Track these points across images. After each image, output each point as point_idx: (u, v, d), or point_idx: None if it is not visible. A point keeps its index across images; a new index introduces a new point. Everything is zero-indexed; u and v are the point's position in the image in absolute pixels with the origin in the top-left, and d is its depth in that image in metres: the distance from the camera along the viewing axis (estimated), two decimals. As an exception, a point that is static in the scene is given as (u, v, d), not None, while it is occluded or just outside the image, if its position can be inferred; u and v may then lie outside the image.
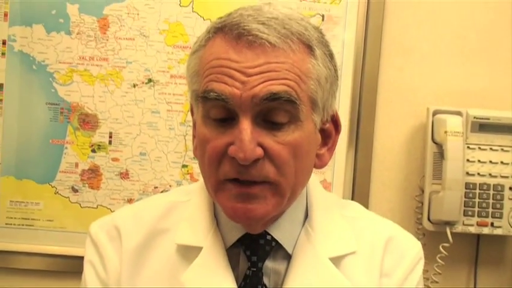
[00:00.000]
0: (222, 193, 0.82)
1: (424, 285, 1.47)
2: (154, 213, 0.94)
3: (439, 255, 1.46)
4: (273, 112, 0.78)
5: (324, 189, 0.99)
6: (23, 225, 1.59)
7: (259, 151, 0.78)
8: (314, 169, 0.87)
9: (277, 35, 0.78)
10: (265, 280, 0.87)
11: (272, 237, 0.87)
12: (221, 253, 0.87)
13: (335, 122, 0.89)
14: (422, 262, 0.95)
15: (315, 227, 0.90)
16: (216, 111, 0.79)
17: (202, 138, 0.82)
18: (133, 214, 0.95)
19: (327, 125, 0.87)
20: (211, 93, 0.78)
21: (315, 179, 0.96)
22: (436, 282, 1.47)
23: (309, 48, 0.81)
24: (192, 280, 0.86)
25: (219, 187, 0.82)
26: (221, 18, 0.83)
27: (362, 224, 0.95)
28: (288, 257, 0.89)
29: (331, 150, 0.90)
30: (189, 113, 0.90)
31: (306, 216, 0.92)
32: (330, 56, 0.85)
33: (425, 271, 1.48)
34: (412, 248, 0.95)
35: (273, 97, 0.77)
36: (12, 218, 1.59)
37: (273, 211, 0.82)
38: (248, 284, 0.87)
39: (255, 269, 0.87)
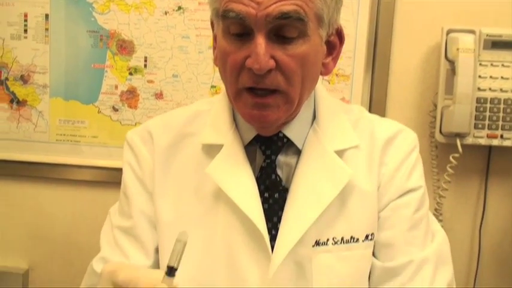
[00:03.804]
0: (240, 101, 0.91)
1: (435, 193, 1.59)
2: (181, 119, 1.04)
3: (449, 165, 1.50)
4: (284, 28, 0.86)
5: (330, 95, 1.08)
6: (71, 141, 1.69)
7: (271, 62, 0.86)
8: (332, 88, 0.96)
9: None
10: (279, 171, 0.97)
11: (284, 134, 0.97)
12: (240, 149, 0.98)
13: (339, 34, 0.97)
14: (417, 149, 1.03)
15: (321, 125, 1.00)
16: (235, 27, 0.88)
17: (223, 51, 0.90)
18: (163, 121, 1.06)
19: (332, 37, 0.95)
20: (231, 13, 0.86)
21: (321, 87, 1.05)
22: (446, 189, 1.53)
23: None
24: (215, 171, 0.96)
25: (238, 95, 0.91)
26: None
27: (364, 124, 1.04)
28: (298, 152, 0.98)
29: (336, 59, 0.98)
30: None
31: (314, 117, 1.01)
32: None
33: (436, 180, 1.60)
34: (407, 138, 1.03)
35: (284, 16, 0.84)
36: (61, 134, 1.69)
37: (283, 117, 0.92)
38: (264, 174, 0.97)
39: (269, 161, 0.97)
